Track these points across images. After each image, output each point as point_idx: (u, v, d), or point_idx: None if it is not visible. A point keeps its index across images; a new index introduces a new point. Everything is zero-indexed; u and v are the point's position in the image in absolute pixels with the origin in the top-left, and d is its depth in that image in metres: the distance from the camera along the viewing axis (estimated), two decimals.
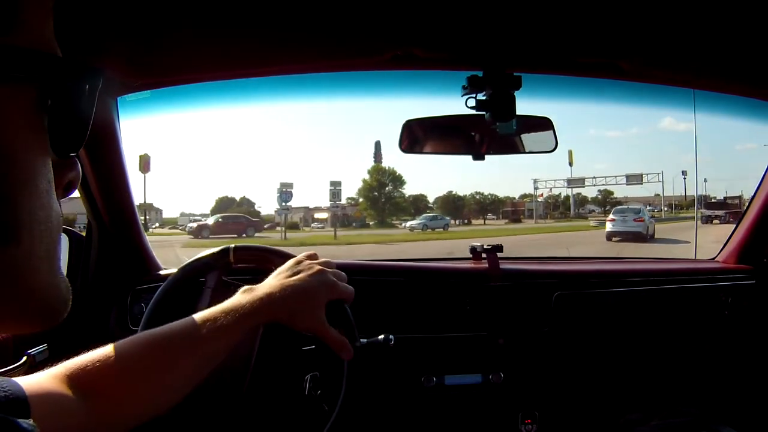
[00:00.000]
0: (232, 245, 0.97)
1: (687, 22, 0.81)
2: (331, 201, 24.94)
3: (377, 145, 43.42)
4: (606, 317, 1.27)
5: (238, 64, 1.00)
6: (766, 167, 1.37)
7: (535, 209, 36.39)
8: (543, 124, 1.09)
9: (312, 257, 0.75)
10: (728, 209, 22.80)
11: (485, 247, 1.30)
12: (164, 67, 1.00)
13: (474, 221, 35.84)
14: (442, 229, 25.23)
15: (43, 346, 0.97)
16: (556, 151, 1.11)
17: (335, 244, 16.97)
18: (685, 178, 37.74)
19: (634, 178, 33.03)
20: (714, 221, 21.24)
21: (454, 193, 39.25)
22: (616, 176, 35.19)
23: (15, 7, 0.27)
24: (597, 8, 0.77)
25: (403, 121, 1.07)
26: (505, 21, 0.83)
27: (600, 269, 1.41)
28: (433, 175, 69.73)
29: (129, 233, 1.22)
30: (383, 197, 36.01)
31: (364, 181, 36.77)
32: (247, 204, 39.18)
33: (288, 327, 0.67)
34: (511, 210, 38.25)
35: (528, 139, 1.12)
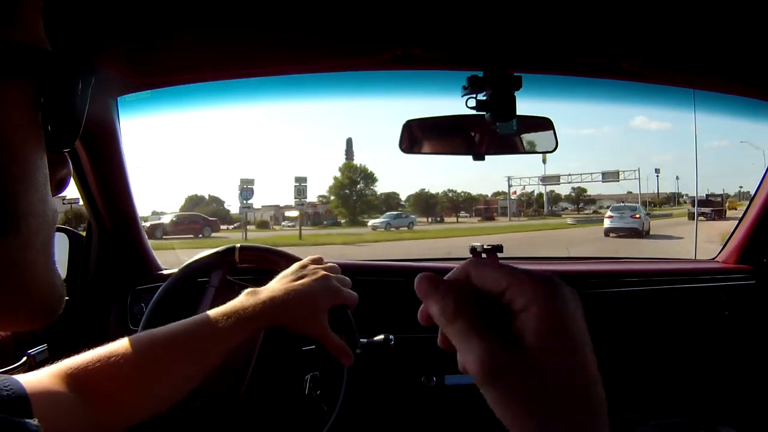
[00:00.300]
0: (238, 245, 0.98)
1: (687, 22, 0.81)
2: (296, 198, 22.64)
3: (349, 142, 42.96)
4: (606, 317, 1.27)
5: (238, 64, 1.00)
6: (766, 168, 1.37)
7: (509, 207, 35.89)
8: (543, 124, 1.09)
9: (317, 261, 0.75)
10: (713, 207, 23.63)
11: (485, 247, 1.29)
12: (164, 67, 1.00)
13: (447, 219, 35.40)
14: (406, 228, 24.75)
15: (43, 346, 0.97)
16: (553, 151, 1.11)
17: (300, 245, 15.76)
18: (657, 176, 37.78)
19: (611, 176, 32.39)
20: (700, 218, 21.81)
21: (426, 190, 38.64)
22: (592, 173, 34.68)
23: (13, 4, 0.27)
24: (597, 8, 0.77)
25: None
26: (505, 21, 0.82)
27: (600, 269, 1.41)
28: (406, 173, 68.44)
29: (129, 233, 1.22)
30: (355, 195, 35.26)
31: (335, 178, 36.00)
32: (216, 202, 37.92)
33: (290, 331, 0.67)
34: (484, 208, 37.71)
35: (528, 139, 1.12)
